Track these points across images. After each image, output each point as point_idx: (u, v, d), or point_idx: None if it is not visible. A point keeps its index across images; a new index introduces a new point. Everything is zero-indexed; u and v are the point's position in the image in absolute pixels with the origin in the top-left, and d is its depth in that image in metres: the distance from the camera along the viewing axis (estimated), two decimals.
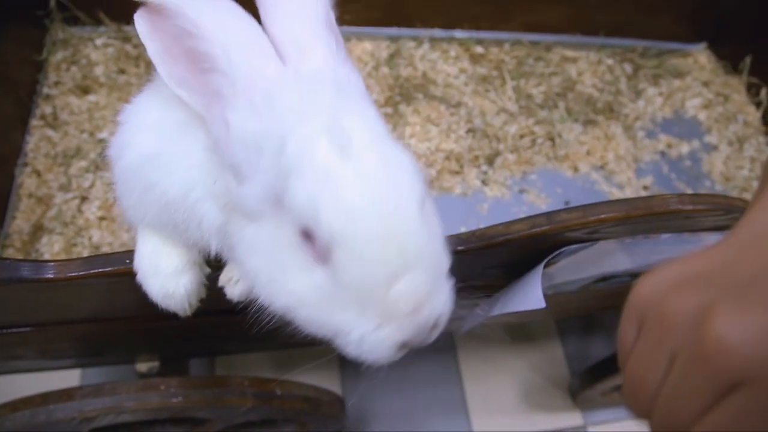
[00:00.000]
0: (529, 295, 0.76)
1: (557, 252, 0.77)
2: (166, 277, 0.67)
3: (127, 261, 0.65)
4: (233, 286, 0.68)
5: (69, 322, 0.83)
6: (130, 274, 0.66)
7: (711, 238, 0.90)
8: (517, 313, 0.82)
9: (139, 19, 0.54)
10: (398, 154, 0.51)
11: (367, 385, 1.61)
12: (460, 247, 0.72)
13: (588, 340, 1.83)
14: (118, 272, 0.66)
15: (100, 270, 0.65)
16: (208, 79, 0.53)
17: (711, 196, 0.81)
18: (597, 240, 0.79)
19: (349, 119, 0.50)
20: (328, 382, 1.60)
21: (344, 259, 0.48)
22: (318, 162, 0.48)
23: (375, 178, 0.48)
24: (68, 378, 1.37)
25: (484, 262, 0.81)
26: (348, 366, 1.68)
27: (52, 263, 0.64)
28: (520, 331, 1.81)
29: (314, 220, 0.47)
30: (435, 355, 1.72)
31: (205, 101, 0.54)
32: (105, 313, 0.83)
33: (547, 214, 0.73)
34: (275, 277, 0.52)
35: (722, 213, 0.82)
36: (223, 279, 0.69)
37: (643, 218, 0.76)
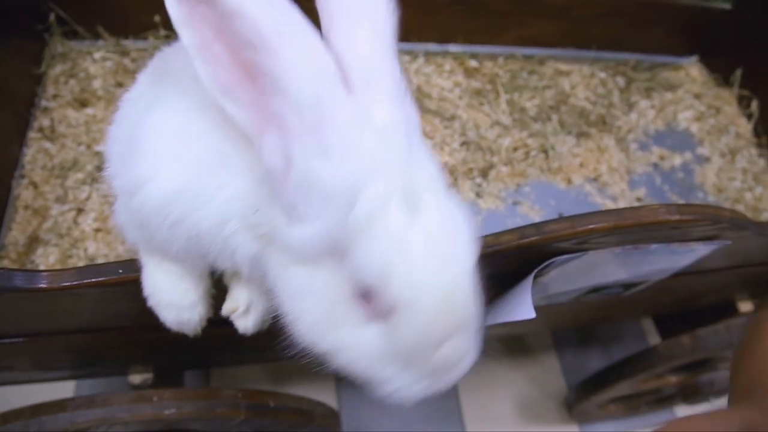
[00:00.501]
0: (519, 306, 0.76)
1: (547, 263, 0.78)
2: (182, 309, 0.68)
3: (120, 271, 0.66)
4: (243, 318, 0.68)
5: (62, 333, 0.83)
6: (124, 284, 0.67)
7: (700, 248, 0.91)
8: (508, 323, 0.83)
9: (172, 2, 0.47)
10: (457, 212, 0.51)
11: (363, 398, 1.61)
12: None
13: (584, 353, 1.83)
14: (111, 282, 0.66)
15: (93, 280, 0.65)
16: (267, 100, 0.47)
17: (698, 206, 0.82)
18: (586, 251, 0.80)
19: (418, 175, 0.49)
20: (323, 394, 1.60)
21: (404, 322, 0.49)
22: (390, 225, 0.47)
23: (440, 246, 0.49)
24: (62, 390, 1.36)
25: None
26: (343, 378, 1.67)
27: (45, 273, 0.64)
28: (516, 344, 1.81)
29: (383, 284, 0.48)
30: None
31: (259, 123, 0.49)
32: (98, 323, 0.83)
33: (536, 225, 0.74)
34: (323, 326, 0.52)
35: (710, 223, 0.83)
36: (227, 309, 0.68)
37: (631, 228, 0.77)
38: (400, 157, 0.49)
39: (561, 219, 0.74)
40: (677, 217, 0.78)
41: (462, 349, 0.52)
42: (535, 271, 0.77)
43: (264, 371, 1.63)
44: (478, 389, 1.71)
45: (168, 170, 0.55)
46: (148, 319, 0.69)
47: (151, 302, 0.67)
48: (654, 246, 0.86)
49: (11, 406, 0.93)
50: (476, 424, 1.67)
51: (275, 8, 0.46)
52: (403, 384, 0.52)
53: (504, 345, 1.79)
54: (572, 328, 1.82)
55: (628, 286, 1.04)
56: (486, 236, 0.75)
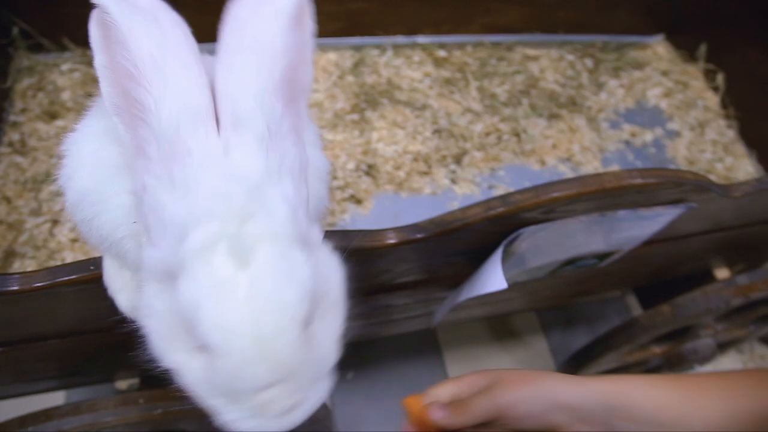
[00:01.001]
0: (491, 278, 0.78)
1: (515, 234, 0.79)
2: (133, 292, 0.68)
3: (92, 267, 0.66)
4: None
5: (40, 339, 0.83)
6: (96, 281, 0.67)
7: (667, 212, 0.93)
8: (485, 297, 0.84)
9: (94, 23, 0.50)
10: (295, 270, 0.50)
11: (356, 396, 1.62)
12: (419, 235, 0.74)
13: (571, 333, 1.85)
14: (83, 279, 0.67)
15: (65, 278, 0.66)
16: (138, 127, 0.50)
17: (660, 170, 0.83)
18: (553, 219, 0.81)
19: (257, 227, 0.49)
20: None
21: (217, 363, 0.49)
22: (211, 268, 0.48)
23: (261, 298, 0.48)
24: (52, 401, 1.36)
25: (445, 250, 0.82)
26: (334, 372, 1.67)
27: (17, 275, 0.64)
28: (504, 328, 1.83)
29: (195, 322, 0.48)
30: (421, 357, 1.73)
31: (134, 147, 0.51)
32: (76, 326, 0.83)
33: (502, 197, 0.75)
34: (163, 345, 0.53)
35: (672, 186, 0.85)
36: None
37: (595, 195, 0.78)
38: (236, 208, 0.49)
39: (525, 189, 0.76)
40: (639, 180, 0.80)
41: (285, 400, 0.51)
42: (505, 242, 0.79)
43: None
44: None
45: (79, 173, 0.61)
46: (125, 319, 0.70)
47: (109, 290, 0.68)
48: (621, 212, 0.87)
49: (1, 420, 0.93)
50: None
51: (163, 44, 0.49)
52: (233, 417, 0.51)
53: (491, 329, 1.80)
54: (557, 308, 1.84)
55: (602, 256, 1.06)
56: (453, 211, 0.76)
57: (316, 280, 0.51)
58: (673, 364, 1.56)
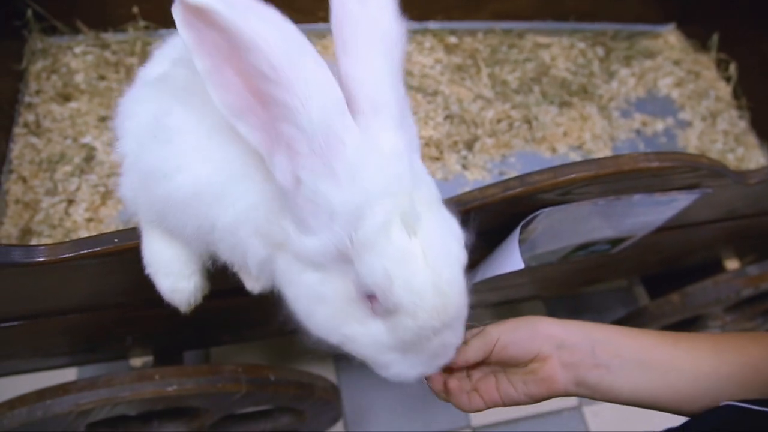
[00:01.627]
0: (508, 259, 0.78)
1: (533, 215, 0.80)
2: (180, 278, 0.70)
3: (116, 240, 0.67)
4: (252, 279, 0.71)
5: (60, 312, 0.84)
6: (120, 254, 0.68)
7: (682, 198, 0.93)
8: (499, 278, 0.85)
9: (183, 26, 0.49)
10: (450, 224, 0.58)
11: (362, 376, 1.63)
12: None
13: None
14: (107, 252, 0.67)
15: (90, 250, 0.66)
16: (278, 126, 0.51)
17: (676, 153, 0.84)
18: (570, 201, 0.82)
19: (419, 197, 0.55)
20: (323, 372, 1.61)
21: (405, 321, 0.55)
22: (392, 241, 0.53)
23: (435, 256, 0.54)
24: (65, 377, 1.37)
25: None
26: (342, 356, 1.69)
27: (43, 246, 0.65)
28: (511, 315, 1.83)
29: (385, 290, 0.53)
30: None
31: (270, 145, 0.52)
32: (96, 300, 0.84)
33: (520, 177, 0.76)
34: (334, 323, 0.58)
35: (689, 170, 0.85)
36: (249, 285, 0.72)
37: (612, 177, 0.79)
38: (403, 182, 0.54)
39: (543, 170, 0.76)
40: (656, 164, 0.80)
41: (453, 339, 0.59)
42: (522, 222, 0.79)
43: (263, 350, 1.65)
44: None
45: (199, 168, 0.59)
46: (145, 293, 0.70)
47: (150, 270, 0.69)
48: (637, 196, 0.88)
49: (17, 394, 0.95)
50: None
51: (287, 40, 0.49)
52: (401, 369, 0.59)
53: (499, 316, 1.80)
54: (564, 296, 1.85)
55: (614, 242, 1.07)
56: (471, 191, 0.77)
57: None
58: None
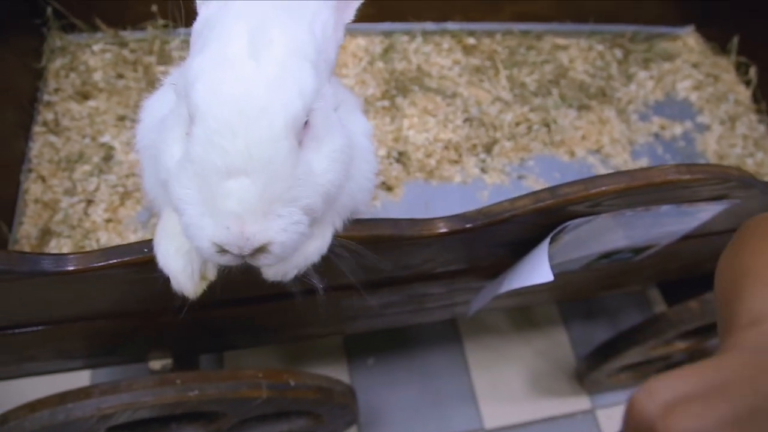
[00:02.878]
0: (536, 270, 0.78)
1: (562, 226, 0.79)
2: (186, 264, 0.67)
3: (146, 250, 0.67)
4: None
5: (85, 318, 0.84)
6: (149, 263, 0.67)
7: (709, 208, 0.92)
8: (524, 288, 0.84)
9: None
10: (302, 75, 0.54)
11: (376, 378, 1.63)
12: (468, 225, 0.74)
13: (591, 324, 1.85)
14: (137, 261, 0.67)
15: (119, 260, 0.66)
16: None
17: (707, 165, 0.83)
18: (599, 213, 0.81)
19: (279, 31, 0.54)
20: (336, 374, 1.61)
21: (195, 133, 0.52)
22: (227, 50, 0.52)
23: (261, 81, 0.51)
24: (79, 378, 1.37)
25: (490, 241, 0.82)
26: (355, 358, 1.70)
27: (73, 255, 0.65)
28: (524, 319, 1.83)
29: (190, 88, 0.52)
30: (441, 346, 1.74)
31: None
32: (121, 306, 0.84)
33: (551, 189, 0.75)
34: (161, 148, 0.57)
35: (719, 182, 0.84)
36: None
37: (643, 189, 0.78)
38: (265, 11, 0.55)
39: (574, 182, 0.75)
40: (688, 176, 0.79)
41: (247, 194, 0.51)
42: (552, 234, 0.78)
43: (276, 354, 1.65)
44: (488, 365, 1.73)
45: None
46: (169, 300, 0.70)
47: (160, 249, 0.67)
48: (664, 207, 0.87)
49: (33, 396, 0.95)
50: (488, 400, 1.69)
51: None
52: (191, 214, 0.54)
53: (511, 319, 1.81)
54: (580, 300, 1.84)
55: (638, 250, 1.06)
56: (501, 202, 0.76)
57: (320, 112, 0.55)
58: (696, 360, 1.56)
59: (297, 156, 0.53)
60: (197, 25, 0.59)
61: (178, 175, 0.54)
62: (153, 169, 0.66)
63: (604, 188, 0.75)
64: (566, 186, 0.75)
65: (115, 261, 0.66)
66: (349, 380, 1.64)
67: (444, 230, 0.72)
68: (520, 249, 0.86)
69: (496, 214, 0.75)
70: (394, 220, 0.72)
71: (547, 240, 0.78)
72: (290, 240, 0.54)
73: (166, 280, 0.68)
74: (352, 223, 0.69)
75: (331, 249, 0.66)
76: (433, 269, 0.87)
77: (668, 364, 1.60)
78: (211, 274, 0.72)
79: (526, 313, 1.85)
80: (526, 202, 0.74)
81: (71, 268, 0.65)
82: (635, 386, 1.69)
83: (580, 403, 1.73)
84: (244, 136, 0.50)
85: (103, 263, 0.66)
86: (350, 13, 0.64)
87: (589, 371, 1.56)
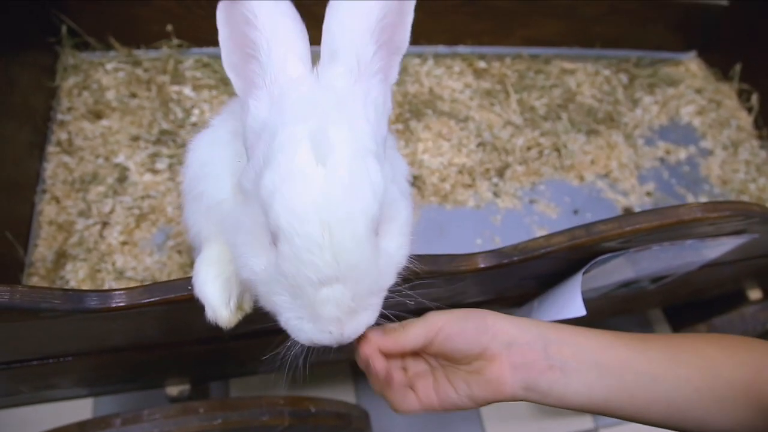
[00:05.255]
0: (569, 304, 0.79)
1: (593, 261, 0.80)
2: (223, 295, 0.67)
3: (189, 288, 0.66)
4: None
5: (117, 350, 0.83)
6: (191, 300, 0.67)
7: (729, 242, 0.94)
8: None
9: (221, 8, 0.58)
10: (370, 172, 0.54)
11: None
12: (504, 261, 0.75)
13: None
14: (180, 299, 0.67)
15: (162, 297, 0.66)
16: (250, 66, 0.59)
17: (731, 203, 0.85)
18: (629, 249, 0.83)
19: (339, 132, 0.54)
20: (343, 397, 1.61)
21: (284, 250, 0.53)
22: (294, 160, 0.53)
23: (335, 189, 0.52)
24: (79, 405, 1.34)
25: (521, 274, 0.83)
26: (362, 378, 1.70)
27: (117, 292, 0.65)
28: None
29: (268, 207, 0.53)
30: None
31: (245, 87, 0.60)
32: (153, 339, 0.84)
33: (586, 226, 0.76)
34: (242, 251, 0.58)
35: (742, 218, 0.86)
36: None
37: (673, 227, 0.79)
38: (321, 111, 0.55)
39: (608, 220, 0.77)
40: (715, 214, 0.81)
41: (342, 300, 0.54)
42: (584, 269, 0.80)
43: (281, 378, 1.64)
44: None
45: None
46: (200, 332, 0.70)
47: (198, 277, 0.67)
48: (689, 241, 0.89)
49: (28, 425, 0.93)
50: (494, 420, 1.69)
51: (276, 7, 0.58)
52: (289, 317, 0.56)
53: None
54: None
55: (655, 279, 1.08)
56: (537, 239, 0.77)
57: (387, 194, 0.56)
58: None
59: (377, 248, 0.55)
60: (254, 123, 0.59)
61: (269, 283, 0.56)
62: (197, 207, 0.67)
63: (638, 226, 0.76)
64: (601, 224, 0.77)
65: (158, 299, 0.66)
66: (355, 401, 1.64)
67: (483, 266, 0.73)
68: (548, 281, 0.88)
69: (532, 250, 0.76)
70: (433, 257, 0.72)
71: (580, 275, 0.80)
72: (375, 318, 0.58)
73: (201, 310, 0.68)
74: None
75: None
76: (462, 300, 0.88)
77: None
78: (248, 306, 0.72)
79: None
80: (561, 239, 0.76)
81: (115, 305, 0.64)
82: None
83: (584, 422, 1.74)
84: (330, 248, 0.51)
85: (147, 300, 0.65)
86: (395, 73, 0.63)
87: None
